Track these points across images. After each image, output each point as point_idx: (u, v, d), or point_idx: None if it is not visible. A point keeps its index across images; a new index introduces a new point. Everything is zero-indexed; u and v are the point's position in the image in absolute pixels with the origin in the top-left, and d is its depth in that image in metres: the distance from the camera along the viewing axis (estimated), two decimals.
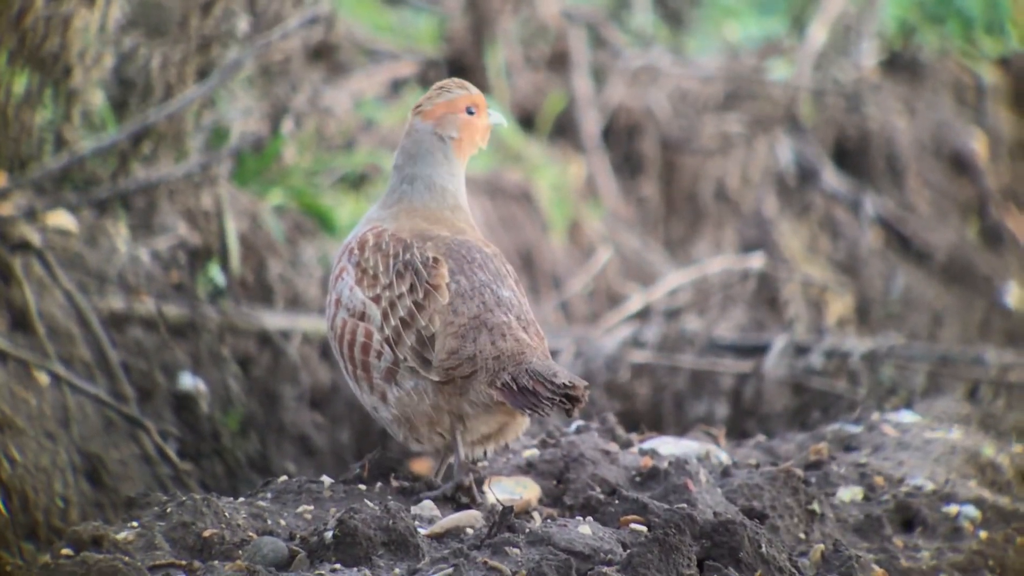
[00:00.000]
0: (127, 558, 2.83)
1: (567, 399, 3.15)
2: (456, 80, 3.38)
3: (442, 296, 3.19)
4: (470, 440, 3.26)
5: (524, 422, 3.29)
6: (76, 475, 4.44)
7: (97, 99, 5.18)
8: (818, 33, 7.77)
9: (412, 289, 3.20)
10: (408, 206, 3.30)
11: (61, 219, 5.05)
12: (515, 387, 3.14)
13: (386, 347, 3.20)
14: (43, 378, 4.49)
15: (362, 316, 3.22)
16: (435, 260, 3.23)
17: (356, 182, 6.48)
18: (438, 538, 3.14)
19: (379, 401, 3.25)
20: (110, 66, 5.18)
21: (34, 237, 4.72)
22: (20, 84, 4.98)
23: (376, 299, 3.20)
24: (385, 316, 3.19)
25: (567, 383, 3.15)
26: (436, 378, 3.20)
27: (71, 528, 2.92)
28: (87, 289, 4.90)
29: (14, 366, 4.43)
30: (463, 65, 7.41)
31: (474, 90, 3.37)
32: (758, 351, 5.55)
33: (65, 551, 2.87)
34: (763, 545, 3.17)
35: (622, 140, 7.48)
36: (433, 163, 3.32)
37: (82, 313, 4.71)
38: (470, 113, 3.35)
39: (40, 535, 4.30)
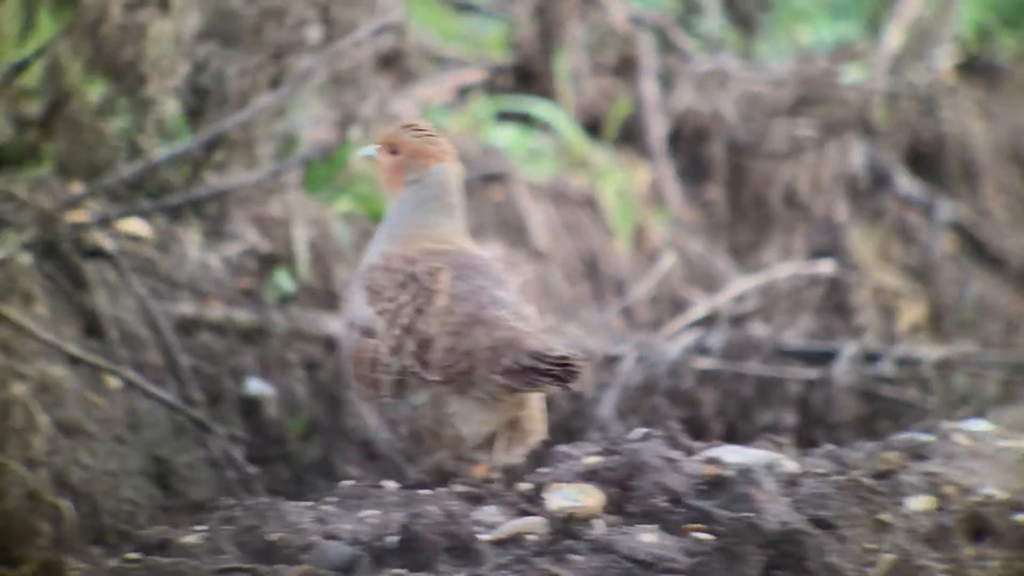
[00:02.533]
0: (194, 562, 2.87)
1: (564, 371, 3.18)
2: (422, 122, 3.47)
3: (440, 300, 3.25)
4: (471, 446, 3.28)
5: (536, 424, 3.33)
6: (145, 479, 4.52)
7: (171, 108, 5.27)
8: (893, 36, 7.65)
9: (414, 297, 3.27)
10: (416, 233, 3.38)
11: (134, 226, 5.15)
12: (517, 368, 3.17)
13: (392, 357, 3.26)
14: (114, 383, 4.57)
15: (370, 333, 3.29)
16: (436, 269, 3.30)
17: None
18: (501, 544, 3.14)
19: (386, 420, 3.31)
20: (184, 75, 5.27)
21: (107, 244, 4.81)
22: (95, 93, 5.09)
23: (382, 312, 3.28)
24: (389, 327, 3.26)
25: (564, 355, 3.18)
26: (436, 378, 3.23)
27: (139, 532, 2.97)
28: (159, 295, 4.99)
29: (86, 371, 4.53)
30: (530, 71, 7.42)
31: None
32: (827, 358, 5.47)
33: (132, 555, 2.92)
34: (831, 555, 3.12)
35: (688, 145, 7.43)
36: (456, 197, 3.41)
37: (153, 318, 4.80)
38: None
39: (108, 539, 4.39)
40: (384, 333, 3.25)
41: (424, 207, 3.37)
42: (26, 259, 4.56)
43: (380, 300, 3.27)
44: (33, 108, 5.10)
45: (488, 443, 3.32)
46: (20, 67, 5.05)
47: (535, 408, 3.37)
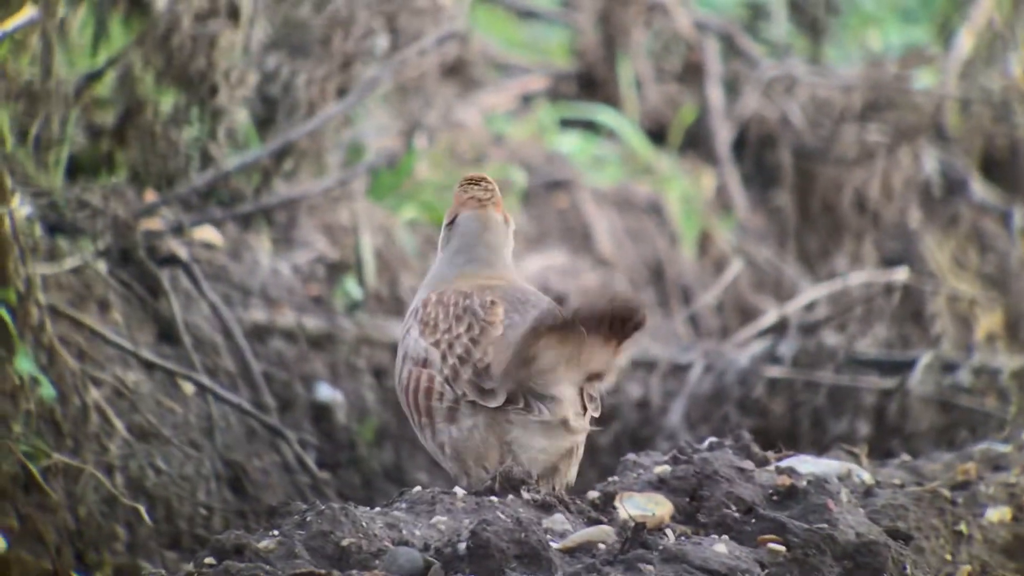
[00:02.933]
0: (268, 566, 2.89)
1: (626, 309, 3.19)
2: (477, 174, 3.55)
3: (495, 330, 3.33)
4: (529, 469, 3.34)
5: (575, 451, 3.34)
6: (219, 484, 4.56)
7: (241, 117, 5.33)
8: (965, 41, 7.53)
9: (469, 328, 3.36)
10: (470, 271, 3.47)
11: (207, 233, 5.21)
12: (568, 317, 3.20)
13: (446, 387, 3.34)
14: (188, 388, 4.63)
15: (424, 363, 3.38)
16: (492, 303, 3.38)
17: None
18: (570, 552, 3.13)
19: (437, 448, 3.39)
20: (254, 85, 5.33)
21: (181, 251, 4.88)
22: (167, 103, 5.16)
23: (436, 344, 3.37)
24: (444, 357, 3.35)
25: (614, 295, 3.20)
26: (498, 400, 3.30)
27: (214, 537, 2.99)
28: (231, 301, 5.05)
29: (160, 376, 4.59)
30: (594, 78, 7.40)
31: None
32: (902, 367, 5.39)
33: (208, 560, 2.94)
34: (908, 567, 3.07)
35: (755, 151, 7.36)
36: (507, 249, 3.51)
37: (226, 325, 4.85)
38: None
39: (183, 544, 4.43)
40: (439, 363, 3.33)
41: (455, 259, 3.48)
42: (101, 266, 4.63)
43: (435, 332, 3.37)
44: (106, 117, 5.18)
45: (549, 473, 3.36)
46: (93, 77, 5.14)
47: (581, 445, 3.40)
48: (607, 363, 3.31)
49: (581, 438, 3.39)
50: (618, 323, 3.23)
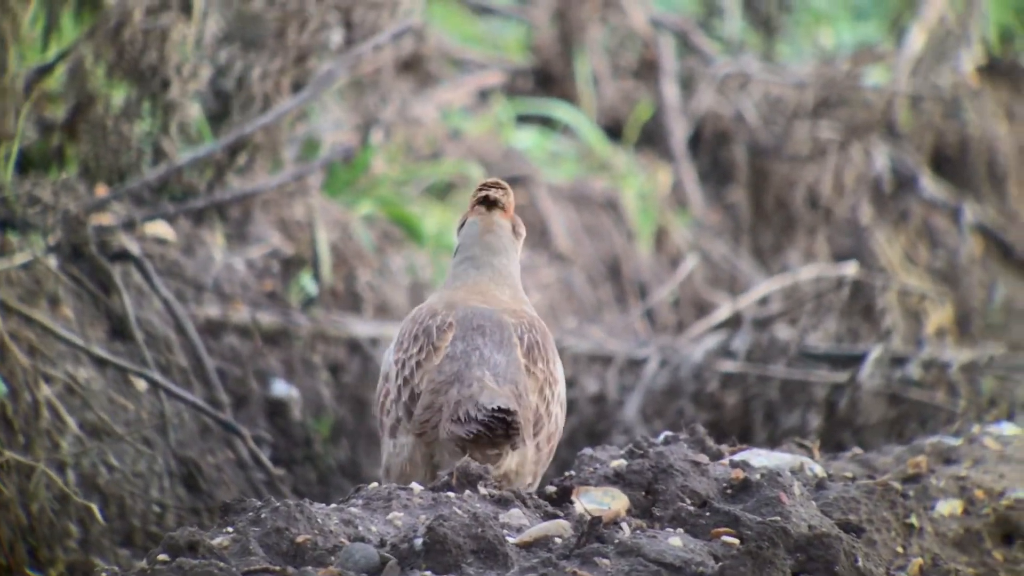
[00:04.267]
0: (222, 563, 2.87)
1: (500, 422, 3.30)
2: (495, 180, 3.57)
3: (437, 357, 3.39)
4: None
5: (522, 480, 3.39)
6: (172, 481, 4.52)
7: (194, 111, 5.29)
8: (916, 38, 7.62)
9: (420, 350, 3.41)
10: (457, 284, 3.51)
11: (159, 229, 5.16)
12: (463, 419, 3.32)
13: (393, 405, 3.42)
14: (141, 385, 4.58)
15: (387, 377, 3.46)
16: (448, 325, 3.42)
17: (443, 191, 6.52)
18: (526, 547, 3.13)
19: (385, 456, 3.48)
20: (206, 79, 5.28)
21: (133, 246, 4.83)
22: (119, 96, 5.11)
23: (397, 362, 3.44)
24: (396, 376, 3.42)
25: (502, 407, 3.30)
26: (413, 432, 3.38)
27: (167, 534, 2.96)
28: (184, 297, 5.01)
29: (112, 373, 4.54)
30: (550, 74, 7.41)
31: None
32: (853, 361, 5.44)
33: (161, 557, 2.91)
34: (859, 559, 3.10)
35: (710, 148, 7.41)
36: (507, 255, 3.51)
37: (179, 321, 4.81)
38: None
39: (136, 541, 4.39)
40: (394, 380, 3.40)
41: (458, 263, 3.52)
42: (52, 262, 4.57)
43: (398, 350, 3.43)
44: (57, 112, 5.12)
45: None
46: (44, 71, 5.07)
47: (522, 464, 3.43)
48: (496, 459, 3.39)
49: (517, 458, 3.43)
50: (494, 438, 3.32)
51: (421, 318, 3.42)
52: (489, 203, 3.50)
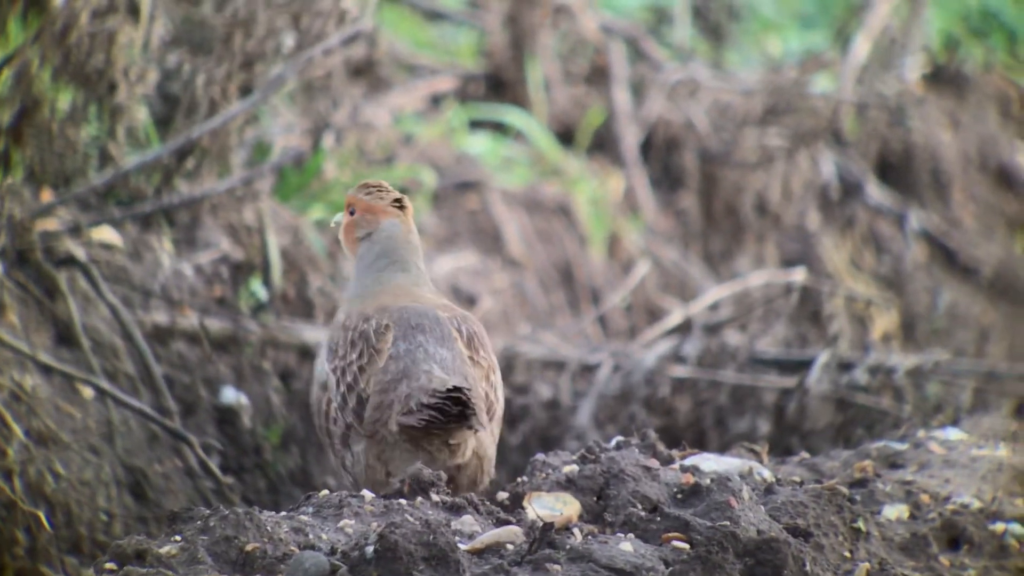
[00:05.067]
0: (170, 572, 2.84)
1: (454, 402, 3.30)
2: (378, 181, 3.58)
3: (380, 360, 3.39)
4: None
5: (481, 474, 3.40)
6: (120, 489, 4.47)
7: (141, 115, 5.24)
8: (862, 46, 7.72)
9: (360, 355, 3.42)
10: (375, 289, 3.51)
11: (106, 234, 5.10)
12: (415, 408, 3.34)
13: (339, 413, 3.42)
14: (87, 392, 4.53)
15: (324, 387, 3.45)
16: (386, 327, 3.43)
17: None
18: (478, 553, 3.13)
19: (339, 465, 3.48)
20: (154, 82, 5.24)
21: (79, 252, 4.77)
22: (65, 100, 5.05)
23: (335, 369, 3.43)
24: (338, 384, 3.42)
25: (455, 386, 3.31)
26: (366, 433, 3.39)
27: (115, 542, 2.94)
28: (131, 303, 4.95)
29: (59, 380, 4.48)
30: (502, 79, 7.42)
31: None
32: (801, 366, 5.50)
33: (109, 565, 2.88)
34: (807, 563, 3.14)
35: (661, 154, 7.46)
36: (420, 255, 3.54)
37: (126, 327, 4.76)
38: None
39: (84, 549, 4.34)
40: (335, 388, 3.39)
41: (376, 264, 3.49)
42: None
43: (335, 357, 3.42)
44: (2, 116, 5.05)
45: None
46: None
47: (479, 457, 3.44)
48: (457, 448, 3.39)
49: (471, 453, 3.43)
50: (448, 421, 3.33)
51: (353, 324, 3.41)
52: (403, 205, 3.50)
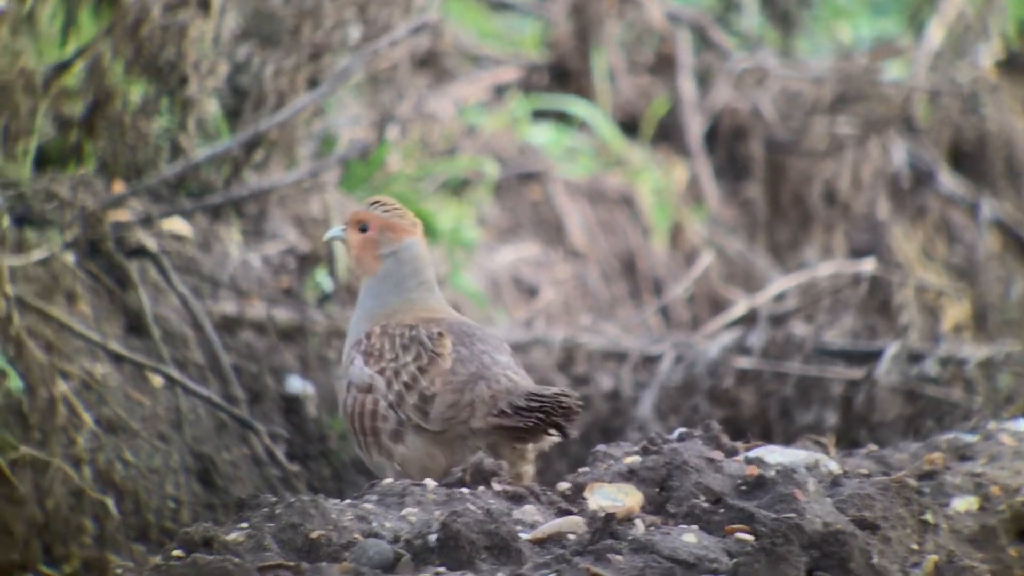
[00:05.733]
0: (237, 559, 2.88)
1: (560, 408, 3.33)
2: (388, 198, 3.57)
3: (445, 362, 3.42)
4: None
5: (525, 466, 3.40)
6: (188, 476, 4.55)
7: (211, 108, 5.31)
8: (935, 33, 7.58)
9: (417, 357, 3.44)
10: (406, 306, 3.51)
11: (176, 225, 5.18)
12: (511, 410, 3.35)
13: (390, 411, 3.43)
14: (157, 381, 4.61)
15: (369, 389, 3.46)
16: (440, 334, 3.45)
17: (458, 187, 6.53)
18: (540, 543, 3.14)
19: (386, 460, 3.48)
20: (224, 75, 5.30)
21: (150, 243, 4.85)
22: (137, 93, 5.13)
23: (381, 371, 3.45)
24: (389, 384, 3.43)
25: (559, 392, 3.34)
26: (436, 428, 3.41)
27: (182, 529, 2.98)
28: (200, 293, 5.03)
29: (129, 369, 4.56)
30: (566, 69, 7.40)
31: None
32: (870, 358, 5.42)
33: (176, 552, 2.93)
34: (874, 556, 3.10)
35: (726, 143, 7.39)
36: (431, 270, 3.54)
37: (195, 317, 4.83)
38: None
39: (151, 536, 4.42)
40: (383, 389, 3.41)
41: (404, 284, 3.49)
42: (70, 258, 4.60)
43: (380, 361, 3.43)
44: (75, 108, 5.14)
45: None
46: (62, 67, 5.09)
47: (533, 465, 3.46)
48: (522, 455, 3.43)
49: (533, 459, 3.46)
50: (554, 424, 3.35)
51: (398, 332, 3.43)
52: (416, 223, 3.51)
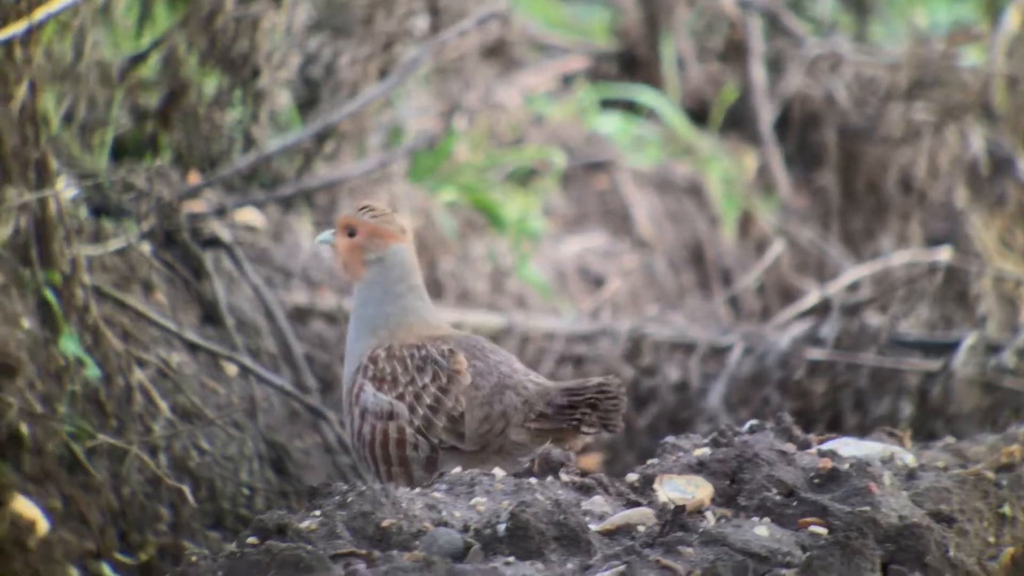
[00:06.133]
0: (310, 547, 2.91)
1: (607, 398, 3.27)
2: (377, 203, 3.49)
3: (464, 379, 3.36)
4: None
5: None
6: (261, 464, 4.60)
7: (283, 99, 5.35)
8: (1013, 18, 7.39)
9: (435, 378, 3.37)
10: (402, 316, 3.44)
11: (249, 216, 5.25)
12: (550, 411, 3.30)
13: (419, 437, 3.37)
14: (231, 369, 4.67)
15: (390, 416, 3.38)
16: (451, 351, 3.39)
17: (525, 177, 6.52)
18: (609, 534, 3.13)
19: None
20: (296, 66, 5.34)
21: (224, 233, 4.91)
22: (211, 85, 5.19)
23: (401, 396, 3.38)
24: (412, 409, 3.36)
25: (600, 381, 3.28)
26: (473, 448, 3.36)
27: (256, 517, 3.01)
28: (273, 283, 5.09)
29: (204, 358, 4.63)
30: (634, 58, 7.36)
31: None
32: (946, 349, 5.32)
33: (250, 539, 2.96)
34: (950, 549, 3.04)
35: (798, 131, 7.30)
36: (419, 276, 3.47)
37: (268, 307, 4.88)
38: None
39: (226, 523, 4.48)
40: (407, 415, 3.36)
41: (393, 291, 3.42)
42: (146, 248, 4.67)
43: (396, 386, 3.37)
44: (151, 99, 5.22)
45: None
46: (137, 59, 5.17)
47: None
48: (575, 442, 3.38)
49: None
50: (599, 414, 3.31)
51: (406, 353, 3.36)
52: (405, 230, 3.44)
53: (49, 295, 4.09)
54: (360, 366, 3.40)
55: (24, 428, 4.00)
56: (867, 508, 3.17)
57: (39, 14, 3.79)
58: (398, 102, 6.02)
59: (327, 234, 3.47)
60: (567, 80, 7.25)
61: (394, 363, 3.38)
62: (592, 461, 5.62)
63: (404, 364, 3.37)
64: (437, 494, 3.24)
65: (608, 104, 7.23)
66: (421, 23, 5.69)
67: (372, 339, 3.42)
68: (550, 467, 3.36)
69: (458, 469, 3.34)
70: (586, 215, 6.77)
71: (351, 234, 3.42)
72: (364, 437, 3.39)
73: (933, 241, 6.94)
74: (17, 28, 3.76)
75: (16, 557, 3.87)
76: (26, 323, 4.07)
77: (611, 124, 7.11)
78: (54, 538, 4.02)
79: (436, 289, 5.63)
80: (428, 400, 3.35)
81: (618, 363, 5.60)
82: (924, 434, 5.06)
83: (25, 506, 3.98)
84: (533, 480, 3.30)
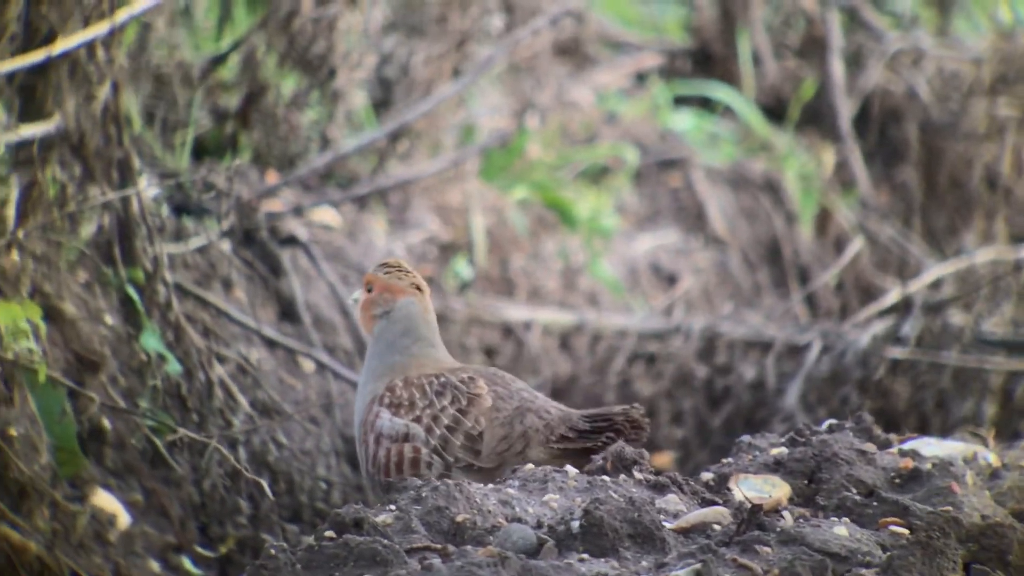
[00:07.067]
0: (386, 541, 2.93)
1: (629, 423, 3.33)
2: (396, 260, 3.59)
3: (485, 401, 3.43)
4: None
5: None
6: (338, 459, 4.65)
7: (359, 99, 5.40)
8: None
9: (454, 400, 3.44)
10: (411, 361, 3.52)
11: (325, 215, 5.31)
12: (572, 435, 3.36)
13: (435, 456, 3.43)
14: (308, 365, 4.72)
15: (406, 437, 3.45)
16: (471, 378, 3.47)
17: (597, 175, 6.50)
18: (684, 533, 3.10)
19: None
20: (372, 67, 5.39)
21: (301, 232, 4.97)
22: (289, 86, 5.26)
23: (418, 419, 3.44)
24: (429, 430, 3.43)
25: (625, 408, 3.33)
26: (489, 465, 3.42)
27: (333, 511, 3.05)
28: (348, 281, 5.14)
29: (282, 354, 4.69)
30: (709, 54, 7.30)
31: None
32: None
33: (328, 533, 2.99)
34: None
35: (877, 126, 7.18)
36: (430, 328, 3.54)
37: (343, 304, 4.94)
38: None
39: (303, 517, 4.53)
40: (423, 436, 3.42)
41: (400, 342, 3.51)
42: (226, 246, 4.75)
43: (412, 409, 3.44)
44: (230, 100, 5.30)
45: None
46: (217, 60, 5.26)
47: None
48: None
49: None
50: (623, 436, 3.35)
51: (423, 382, 3.44)
52: (420, 287, 3.53)
53: (132, 292, 4.17)
54: (375, 397, 3.49)
55: (106, 423, 4.09)
56: (949, 507, 3.11)
57: (121, 15, 3.87)
58: (471, 101, 6.04)
59: (357, 293, 3.60)
60: (640, 78, 7.22)
61: (412, 390, 3.46)
62: (665, 459, 5.58)
63: (422, 390, 3.46)
64: (510, 490, 3.25)
65: (682, 101, 7.18)
66: (495, 21, 5.71)
67: (376, 382, 3.51)
68: (623, 465, 3.34)
69: (532, 468, 3.37)
70: (659, 212, 6.73)
71: (369, 290, 3.55)
72: (378, 461, 3.47)
73: (1019, 239, 6.78)
74: (100, 29, 3.84)
75: (97, 551, 3.95)
76: (109, 320, 4.16)
77: (685, 121, 7.06)
78: (135, 531, 4.10)
79: (507, 287, 5.64)
80: (446, 421, 3.43)
81: (692, 361, 5.56)
82: (1008, 434, 4.95)
83: (106, 500, 4.06)
84: (606, 478, 3.29)
